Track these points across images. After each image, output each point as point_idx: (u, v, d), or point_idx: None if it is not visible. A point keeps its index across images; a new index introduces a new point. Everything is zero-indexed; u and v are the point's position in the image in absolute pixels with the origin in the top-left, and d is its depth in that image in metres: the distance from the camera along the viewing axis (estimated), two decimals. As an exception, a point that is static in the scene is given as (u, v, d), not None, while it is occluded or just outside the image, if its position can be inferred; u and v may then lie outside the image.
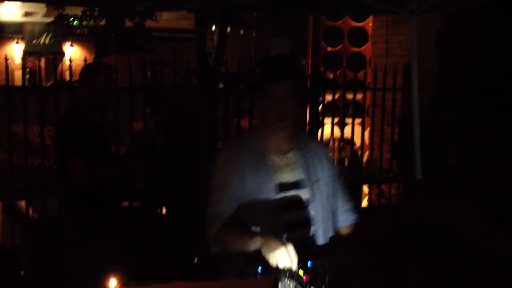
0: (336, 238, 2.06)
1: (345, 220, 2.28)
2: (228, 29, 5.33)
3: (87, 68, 3.40)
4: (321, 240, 2.14)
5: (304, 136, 2.28)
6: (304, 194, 2.14)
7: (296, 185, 2.14)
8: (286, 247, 1.75)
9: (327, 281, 1.72)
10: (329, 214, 2.20)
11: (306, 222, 2.13)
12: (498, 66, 4.53)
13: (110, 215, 3.28)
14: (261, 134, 2.16)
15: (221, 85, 5.22)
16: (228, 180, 2.07)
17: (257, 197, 2.07)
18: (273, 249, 1.76)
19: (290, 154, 2.17)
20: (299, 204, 2.13)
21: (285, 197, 2.10)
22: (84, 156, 3.05)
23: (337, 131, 5.63)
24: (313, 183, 2.15)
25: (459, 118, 4.08)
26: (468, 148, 4.01)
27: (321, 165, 2.21)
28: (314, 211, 2.13)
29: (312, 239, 2.14)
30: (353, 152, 5.61)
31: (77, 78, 3.45)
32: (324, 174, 2.20)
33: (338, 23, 7.36)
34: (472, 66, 4.88)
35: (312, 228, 2.14)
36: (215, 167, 2.15)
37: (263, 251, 1.79)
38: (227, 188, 2.07)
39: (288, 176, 2.13)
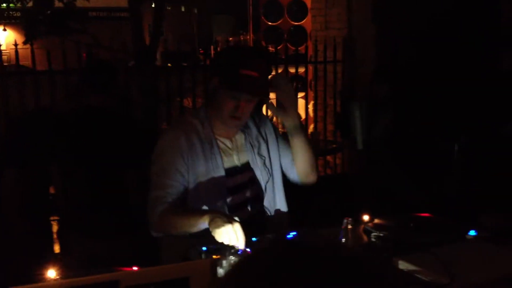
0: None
1: None
2: (169, 7, 5.19)
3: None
4: (271, 214, 2.16)
5: None
6: (252, 174, 2.13)
7: (244, 167, 2.13)
8: (232, 225, 1.72)
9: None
10: (281, 185, 2.21)
11: (254, 201, 2.13)
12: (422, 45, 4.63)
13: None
14: (207, 118, 2.09)
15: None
16: (176, 164, 1.99)
17: (205, 182, 2.02)
18: (219, 226, 1.72)
19: (236, 137, 2.14)
20: (247, 185, 2.12)
21: (233, 180, 2.08)
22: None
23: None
24: (261, 160, 2.15)
25: (393, 94, 4.17)
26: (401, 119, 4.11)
27: (267, 134, 2.21)
28: (263, 188, 2.14)
29: (262, 215, 2.14)
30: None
31: (11, 63, 3.21)
32: (272, 142, 2.21)
33: (278, -3, 7.32)
34: (404, 42, 4.96)
35: (261, 205, 2.14)
36: (159, 150, 2.05)
37: (210, 229, 1.75)
38: (174, 173, 1.99)
39: (236, 159, 2.12)
